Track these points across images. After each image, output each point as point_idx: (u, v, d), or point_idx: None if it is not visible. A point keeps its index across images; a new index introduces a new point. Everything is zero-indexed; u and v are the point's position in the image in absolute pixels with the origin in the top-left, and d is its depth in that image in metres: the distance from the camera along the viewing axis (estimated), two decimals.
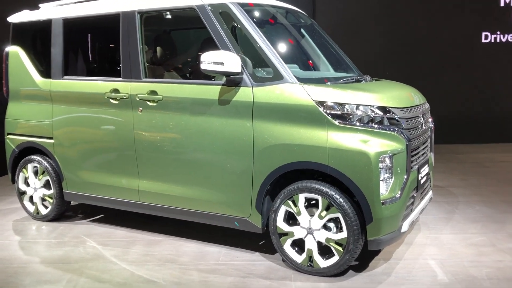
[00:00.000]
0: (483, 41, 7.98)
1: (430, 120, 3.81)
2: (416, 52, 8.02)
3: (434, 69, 8.03)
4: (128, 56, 3.85)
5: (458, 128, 8.12)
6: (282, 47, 3.86)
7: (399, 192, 3.11)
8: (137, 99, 3.79)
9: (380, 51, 8.05)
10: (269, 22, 3.94)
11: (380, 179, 3.02)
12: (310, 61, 4.22)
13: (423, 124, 3.54)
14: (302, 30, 4.28)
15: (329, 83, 3.45)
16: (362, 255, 3.30)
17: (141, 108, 3.78)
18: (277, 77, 3.28)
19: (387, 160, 3.05)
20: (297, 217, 3.29)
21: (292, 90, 3.22)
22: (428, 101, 3.88)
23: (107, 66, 4.84)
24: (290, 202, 3.29)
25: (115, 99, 3.91)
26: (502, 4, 7.86)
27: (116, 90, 3.90)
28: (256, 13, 3.78)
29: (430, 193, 3.86)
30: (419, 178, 3.40)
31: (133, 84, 3.83)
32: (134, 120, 3.83)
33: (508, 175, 6.03)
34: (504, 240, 3.86)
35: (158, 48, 4.34)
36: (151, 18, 3.94)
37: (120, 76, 3.91)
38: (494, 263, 3.43)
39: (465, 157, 7.23)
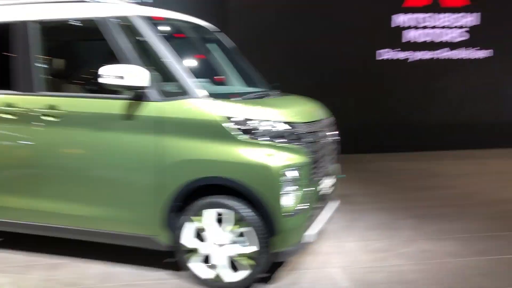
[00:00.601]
0: (378, 58, 8.65)
1: (334, 132, 4.01)
2: (321, 67, 8.45)
3: (339, 84, 8.51)
4: (23, 69, 3.61)
5: (362, 138, 8.64)
6: (190, 61, 3.86)
7: (303, 204, 3.22)
8: (34, 114, 3.55)
9: (288, 64, 8.35)
10: (175, 37, 3.91)
11: (284, 192, 3.11)
12: (218, 76, 4.26)
13: (326, 137, 3.71)
14: (210, 45, 4.31)
15: (236, 99, 3.50)
16: (269, 267, 3.35)
17: (38, 124, 3.55)
18: (185, 92, 3.26)
19: (291, 173, 3.15)
20: (205, 233, 3.28)
21: (199, 105, 3.23)
22: (332, 113, 4.09)
23: (1, 79, 4.49)
24: (198, 218, 3.27)
25: (10, 114, 3.64)
26: (392, 26, 8.58)
27: (10, 105, 3.63)
28: (162, 27, 3.73)
29: (335, 203, 4.04)
30: (323, 189, 3.55)
31: (29, 98, 3.59)
32: (31, 136, 3.59)
33: (407, 183, 6.51)
34: (399, 245, 4.14)
35: (58, 61, 4.12)
36: (48, 29, 3.72)
37: (15, 90, 3.65)
38: (390, 268, 3.67)
39: (369, 166, 7.69)
